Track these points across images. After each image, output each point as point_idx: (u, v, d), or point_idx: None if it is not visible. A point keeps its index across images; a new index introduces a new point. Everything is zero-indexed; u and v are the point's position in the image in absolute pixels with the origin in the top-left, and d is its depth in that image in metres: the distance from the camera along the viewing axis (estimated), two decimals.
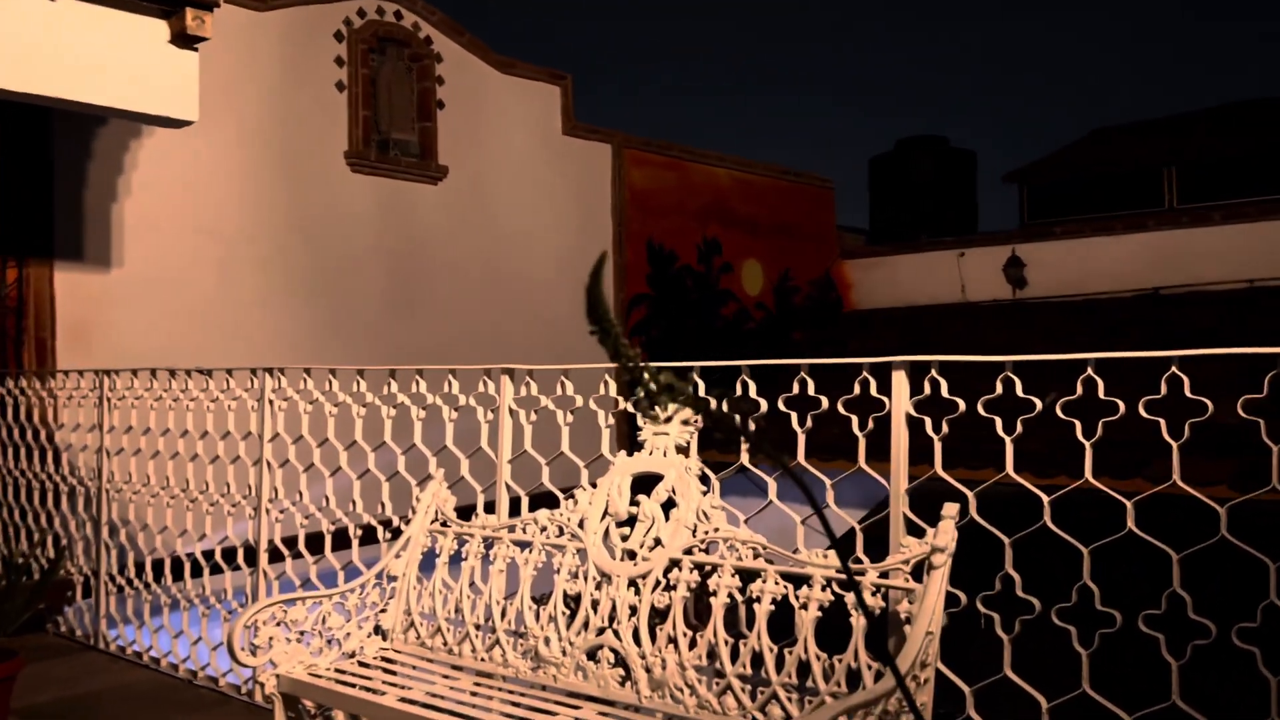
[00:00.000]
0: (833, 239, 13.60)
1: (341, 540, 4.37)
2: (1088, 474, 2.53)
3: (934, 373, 2.71)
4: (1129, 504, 2.48)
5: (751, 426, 2.89)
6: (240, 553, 4.77)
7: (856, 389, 2.85)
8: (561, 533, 3.25)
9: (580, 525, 3.18)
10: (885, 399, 2.78)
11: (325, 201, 8.08)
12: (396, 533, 3.95)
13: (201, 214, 7.30)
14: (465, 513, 3.84)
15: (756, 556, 2.81)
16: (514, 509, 3.69)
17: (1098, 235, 11.97)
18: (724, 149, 11.94)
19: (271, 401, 4.62)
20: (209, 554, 4.96)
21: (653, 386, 1.00)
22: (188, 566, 5.03)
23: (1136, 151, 13.19)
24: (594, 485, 3.26)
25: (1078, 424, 2.51)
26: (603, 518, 3.15)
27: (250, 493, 4.72)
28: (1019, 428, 2.61)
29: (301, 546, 4.48)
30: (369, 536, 4.24)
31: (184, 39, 4.84)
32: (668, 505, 3.04)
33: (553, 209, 9.73)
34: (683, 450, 3.08)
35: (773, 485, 3.07)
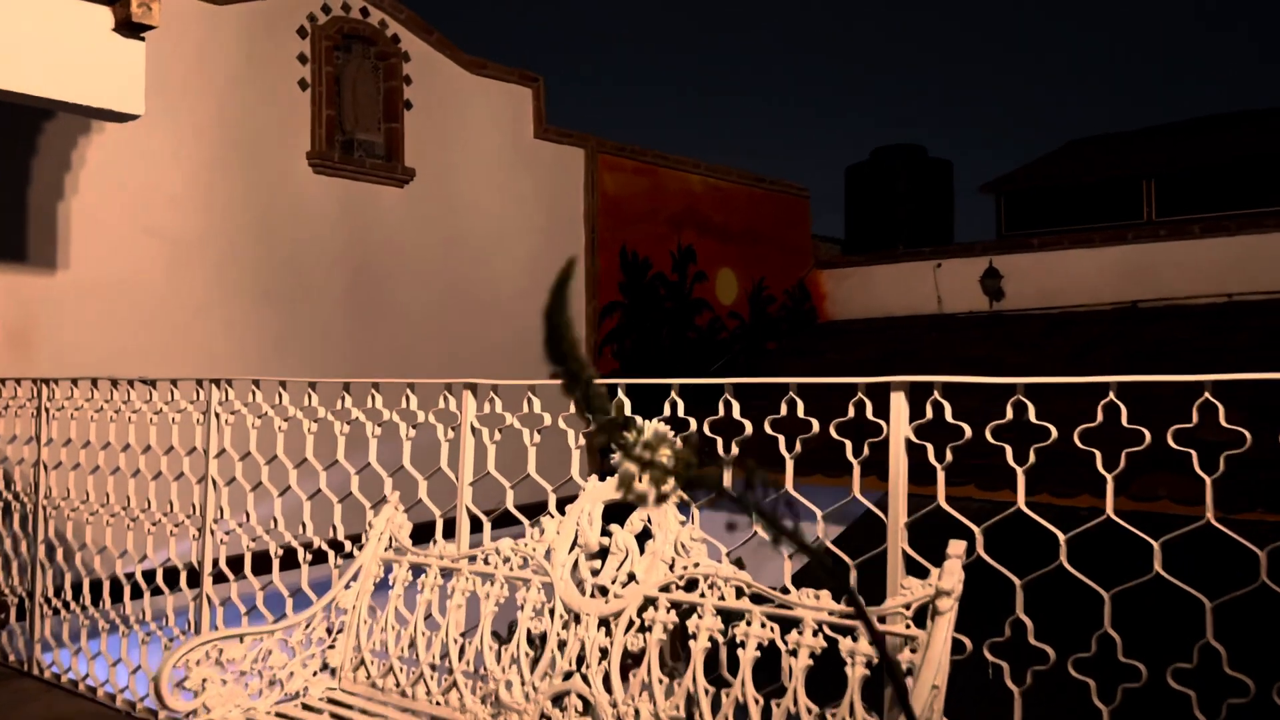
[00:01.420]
0: (808, 248, 13.42)
1: (290, 562, 4.08)
2: (1109, 510, 2.29)
3: (937, 395, 2.47)
4: (1155, 544, 2.24)
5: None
6: (184, 575, 4.46)
7: (851, 411, 2.60)
8: (526, 564, 2.97)
9: (547, 557, 2.91)
10: (882, 423, 2.53)
11: (285, 203, 7.76)
12: (349, 557, 3.67)
13: (153, 215, 6.96)
14: (423, 533, 3.56)
15: (740, 596, 2.55)
16: (474, 527, 3.42)
17: (1076, 247, 11.84)
18: (696, 155, 11.72)
19: (218, 415, 4.32)
20: (150, 575, 4.64)
21: (643, 457, 0.74)
22: (128, 589, 4.70)
23: (1115, 163, 13.08)
24: (562, 511, 3.00)
25: (1098, 454, 2.27)
26: (571, 549, 2.88)
27: (194, 512, 4.41)
28: (1032, 456, 2.37)
29: (248, 570, 4.17)
30: (320, 557, 3.95)
31: (129, 27, 4.54)
32: (643, 536, 2.77)
33: (523, 214, 9.46)
34: None
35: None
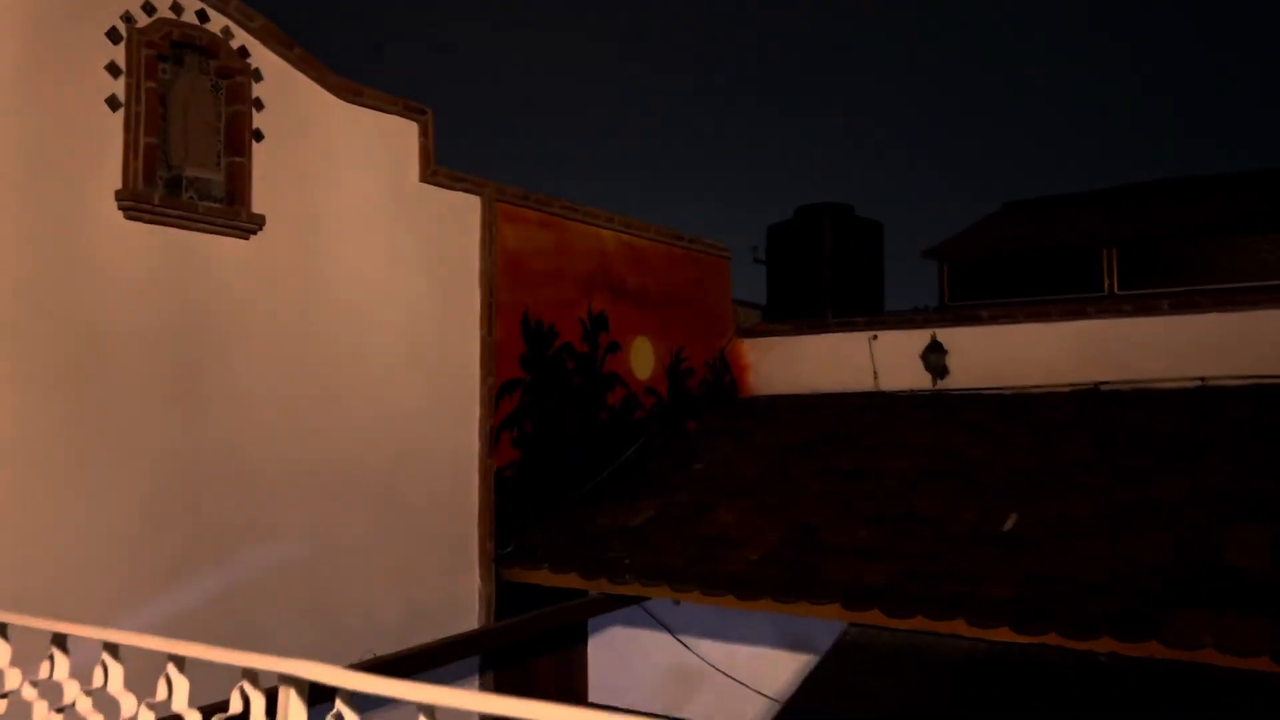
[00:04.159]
0: (729, 314, 11.98)
1: None
2: None
3: None
4: None
5: None
6: None
7: None
8: None
9: None
10: None
11: (85, 258, 5.79)
12: None
13: None
14: None
15: None
16: None
17: (1030, 321, 10.65)
18: (605, 206, 10.10)
19: None
20: None
21: None
22: None
23: (1071, 228, 12.00)
24: None
25: None
26: None
27: None
28: None
29: None
30: None
31: None
32: None
33: (404, 273, 7.64)
34: None
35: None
